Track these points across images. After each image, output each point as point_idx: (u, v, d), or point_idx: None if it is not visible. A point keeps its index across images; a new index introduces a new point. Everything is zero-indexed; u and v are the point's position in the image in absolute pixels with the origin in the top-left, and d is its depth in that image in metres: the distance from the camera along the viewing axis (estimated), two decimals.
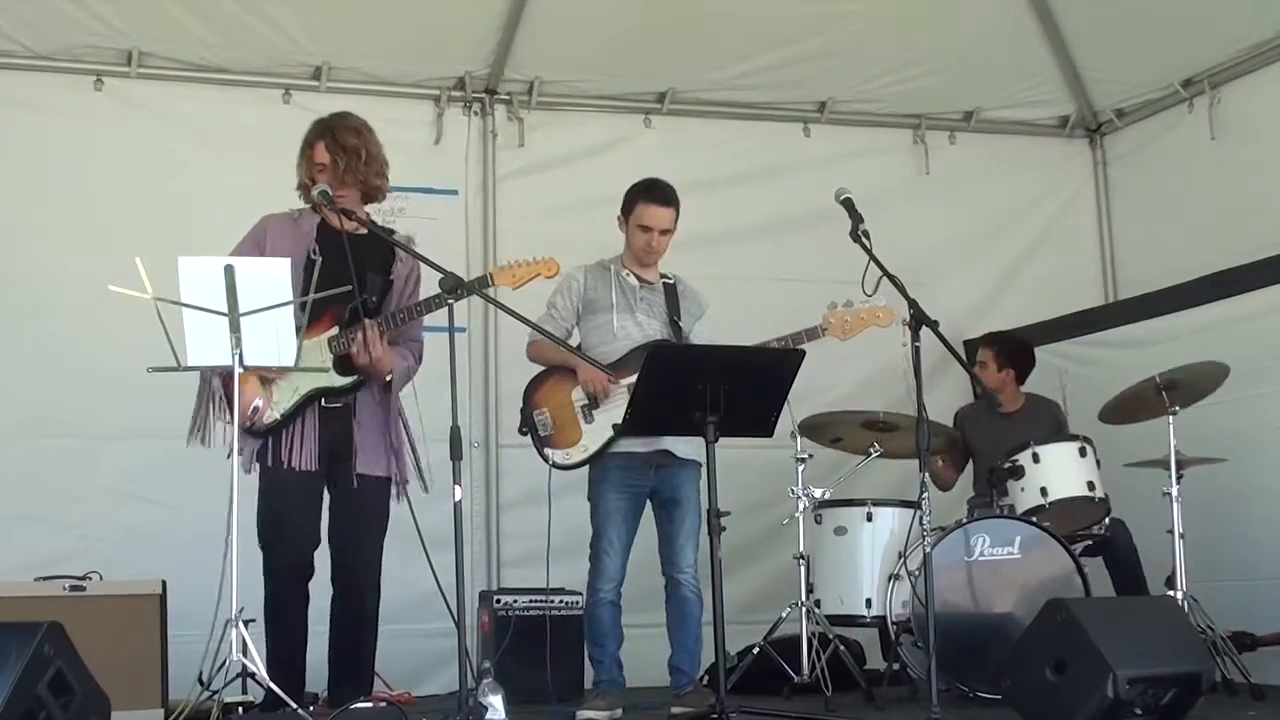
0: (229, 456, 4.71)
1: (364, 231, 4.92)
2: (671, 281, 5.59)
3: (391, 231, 5.08)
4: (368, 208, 5.08)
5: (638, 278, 5.52)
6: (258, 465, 4.83)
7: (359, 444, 4.90)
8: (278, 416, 4.82)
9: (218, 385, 4.79)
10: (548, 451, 5.30)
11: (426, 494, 4.97)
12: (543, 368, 5.44)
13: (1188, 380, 5.68)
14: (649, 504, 5.43)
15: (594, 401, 5.29)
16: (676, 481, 5.36)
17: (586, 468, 5.35)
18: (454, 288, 4.54)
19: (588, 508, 5.37)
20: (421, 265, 4.92)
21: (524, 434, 5.42)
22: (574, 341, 5.45)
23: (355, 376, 4.88)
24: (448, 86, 7.05)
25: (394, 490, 4.99)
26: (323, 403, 4.87)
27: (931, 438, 5.04)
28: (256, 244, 4.92)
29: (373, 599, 4.99)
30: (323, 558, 4.95)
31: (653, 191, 5.48)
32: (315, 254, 4.81)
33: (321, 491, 4.92)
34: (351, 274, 4.66)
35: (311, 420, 4.85)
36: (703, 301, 5.63)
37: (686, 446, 5.29)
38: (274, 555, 4.80)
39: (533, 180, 7.13)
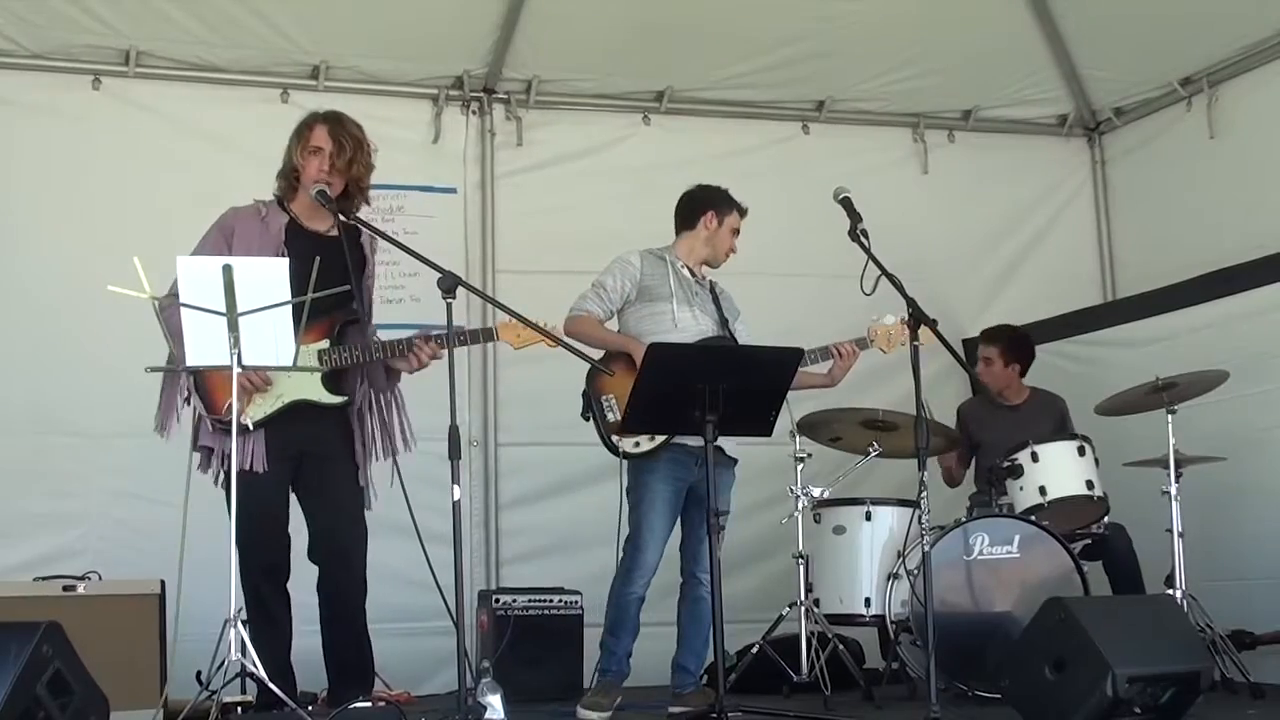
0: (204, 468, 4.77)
1: (335, 234, 4.83)
2: (711, 282, 5.59)
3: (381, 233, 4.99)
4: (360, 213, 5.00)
5: (691, 272, 5.51)
6: (224, 466, 4.66)
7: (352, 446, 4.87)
8: (259, 417, 4.70)
9: (184, 377, 4.70)
10: (615, 440, 5.20)
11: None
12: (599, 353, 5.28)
13: (1186, 384, 5.68)
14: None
15: None
16: (718, 481, 5.29)
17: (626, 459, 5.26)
18: (452, 287, 4.52)
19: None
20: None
21: (586, 419, 5.29)
22: (612, 327, 5.37)
23: (344, 397, 4.84)
24: (446, 85, 7.04)
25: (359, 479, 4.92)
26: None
27: (931, 437, 5.02)
28: (223, 239, 4.82)
29: (364, 598, 4.94)
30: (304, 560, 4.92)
31: (741, 204, 5.58)
32: (283, 255, 4.73)
33: (288, 491, 4.85)
34: (313, 276, 4.45)
35: (282, 421, 4.76)
36: (736, 303, 5.63)
37: (730, 443, 5.20)
38: (249, 557, 4.68)
39: (531, 179, 7.12)
